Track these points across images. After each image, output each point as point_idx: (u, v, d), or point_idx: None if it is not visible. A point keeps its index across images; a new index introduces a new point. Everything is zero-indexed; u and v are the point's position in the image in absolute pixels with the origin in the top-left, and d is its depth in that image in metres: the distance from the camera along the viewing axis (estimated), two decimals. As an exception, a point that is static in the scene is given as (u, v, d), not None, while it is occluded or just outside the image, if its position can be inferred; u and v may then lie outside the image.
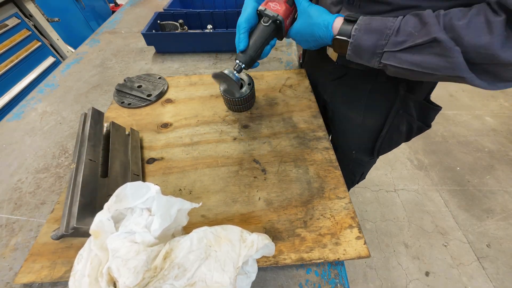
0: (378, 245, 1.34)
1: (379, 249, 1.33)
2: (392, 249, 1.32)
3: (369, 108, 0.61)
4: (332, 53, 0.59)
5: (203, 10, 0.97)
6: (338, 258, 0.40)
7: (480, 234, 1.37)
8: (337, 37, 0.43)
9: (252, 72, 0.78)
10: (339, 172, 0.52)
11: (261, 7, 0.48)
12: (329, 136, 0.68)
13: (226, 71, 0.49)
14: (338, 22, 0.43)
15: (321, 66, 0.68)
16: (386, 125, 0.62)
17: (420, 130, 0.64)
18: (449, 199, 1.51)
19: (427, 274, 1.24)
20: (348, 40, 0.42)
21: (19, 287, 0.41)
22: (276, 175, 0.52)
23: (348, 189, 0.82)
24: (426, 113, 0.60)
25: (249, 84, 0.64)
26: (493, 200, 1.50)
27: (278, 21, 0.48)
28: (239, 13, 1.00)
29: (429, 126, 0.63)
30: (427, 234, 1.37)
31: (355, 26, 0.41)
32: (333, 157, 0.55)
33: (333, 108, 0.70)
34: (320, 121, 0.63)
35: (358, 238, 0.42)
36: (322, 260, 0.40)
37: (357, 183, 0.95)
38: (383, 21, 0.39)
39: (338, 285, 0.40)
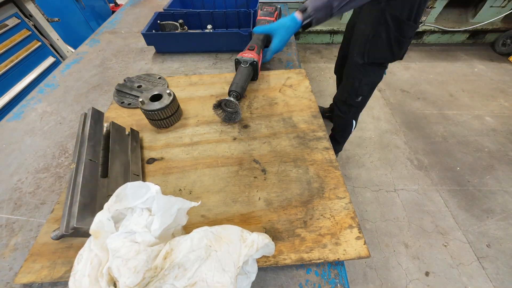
0: (378, 245, 1.34)
1: (379, 249, 1.33)
2: (392, 249, 1.32)
3: (366, 19, 0.91)
4: None
5: (203, 10, 0.97)
6: (338, 258, 0.40)
7: (480, 234, 1.36)
8: (304, 22, 0.68)
9: (252, 72, 0.78)
10: (339, 172, 0.52)
11: (238, 57, 0.70)
12: (346, 48, 1.11)
13: (229, 98, 0.60)
14: (298, 15, 0.68)
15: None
16: (372, 31, 0.88)
17: (398, 41, 0.87)
18: (449, 199, 1.51)
19: (427, 274, 1.24)
20: (311, 20, 0.67)
21: (19, 287, 0.41)
22: (276, 175, 0.52)
23: (350, 102, 1.20)
24: (402, 27, 0.83)
25: (169, 94, 0.60)
26: (493, 200, 1.50)
27: (255, 62, 0.69)
28: (239, 13, 1.01)
29: (406, 38, 0.86)
30: (427, 234, 1.37)
31: (309, 10, 0.65)
32: (333, 157, 0.55)
33: (356, 25, 0.99)
34: (320, 121, 0.63)
35: (358, 238, 0.42)
36: (322, 260, 0.40)
37: (356, 97, 1.16)
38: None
39: (338, 285, 0.40)
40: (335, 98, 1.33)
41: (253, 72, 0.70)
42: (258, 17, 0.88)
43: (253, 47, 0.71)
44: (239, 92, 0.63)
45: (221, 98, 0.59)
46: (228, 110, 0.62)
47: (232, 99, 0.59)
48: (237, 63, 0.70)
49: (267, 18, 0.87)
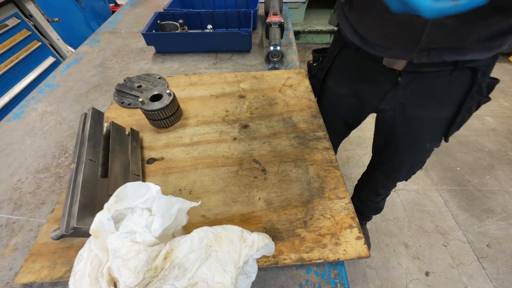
0: (378, 245, 1.34)
1: (379, 249, 1.33)
2: (392, 249, 1.32)
3: (442, 101, 0.61)
4: (394, 63, 0.56)
5: (203, 10, 0.97)
6: (338, 258, 0.40)
7: (480, 234, 1.36)
8: None
9: (252, 72, 0.78)
10: (339, 172, 0.52)
11: (268, 21, 0.88)
12: (385, 147, 0.81)
13: (275, 48, 0.81)
14: None
15: (375, 78, 0.64)
16: (462, 112, 0.62)
17: (478, 105, 0.63)
18: (449, 199, 1.51)
19: (427, 274, 1.24)
20: None
21: (19, 287, 0.41)
22: (276, 175, 0.52)
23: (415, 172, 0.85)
24: (491, 88, 0.61)
25: (169, 94, 0.60)
26: (493, 200, 1.50)
27: (282, 23, 0.89)
28: (239, 13, 1.01)
29: (489, 99, 0.63)
30: (427, 234, 1.37)
31: None
32: (333, 157, 0.55)
33: (397, 113, 0.67)
34: (320, 121, 0.63)
35: (358, 238, 0.42)
36: (322, 260, 0.40)
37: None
38: None
39: (338, 285, 0.40)
40: (366, 190, 1.07)
41: (281, 31, 0.89)
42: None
43: (276, 12, 0.92)
44: (278, 44, 0.81)
45: (269, 50, 0.81)
46: (274, 59, 0.82)
47: (278, 48, 0.80)
48: (269, 25, 0.87)
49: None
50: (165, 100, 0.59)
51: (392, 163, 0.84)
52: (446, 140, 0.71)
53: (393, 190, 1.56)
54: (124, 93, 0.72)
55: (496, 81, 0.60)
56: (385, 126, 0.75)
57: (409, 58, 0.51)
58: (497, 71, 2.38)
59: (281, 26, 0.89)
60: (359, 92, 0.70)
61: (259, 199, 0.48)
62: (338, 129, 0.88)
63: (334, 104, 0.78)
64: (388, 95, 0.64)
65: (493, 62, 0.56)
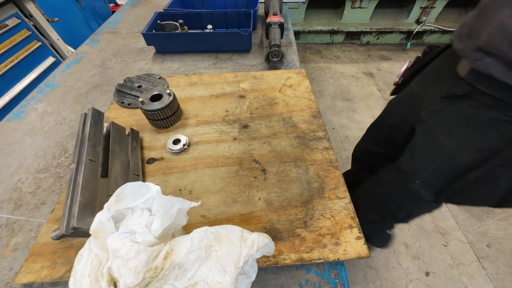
0: (378, 245, 1.34)
1: (379, 249, 1.33)
2: (392, 249, 1.32)
3: (470, 140, 0.49)
4: (463, 66, 0.49)
5: (203, 10, 0.97)
6: (338, 258, 0.40)
7: (480, 234, 1.36)
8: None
9: (252, 72, 0.78)
10: (339, 172, 0.52)
11: (268, 21, 0.87)
12: (397, 157, 0.62)
13: (275, 48, 0.81)
14: None
15: (438, 81, 0.56)
16: (482, 168, 0.47)
17: None
18: (449, 199, 1.51)
19: (427, 274, 1.24)
20: None
21: (19, 287, 0.41)
22: (276, 175, 0.52)
23: (387, 224, 0.75)
24: None
25: (169, 94, 0.60)
26: (493, 200, 1.50)
27: (282, 23, 0.89)
28: (239, 13, 1.01)
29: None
30: (427, 234, 1.37)
31: None
32: (333, 157, 0.55)
33: (422, 128, 0.58)
34: (320, 121, 0.63)
35: (358, 238, 0.42)
36: (322, 260, 0.40)
37: (399, 221, 0.77)
38: None
39: (338, 285, 0.40)
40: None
41: (281, 31, 0.89)
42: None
43: (276, 12, 0.92)
44: (278, 44, 0.81)
45: (268, 51, 0.81)
46: (274, 59, 0.82)
47: (277, 48, 0.80)
48: (269, 25, 0.88)
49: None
50: (165, 100, 0.59)
51: None
52: (438, 197, 0.57)
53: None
54: (124, 93, 0.72)
55: None
56: (404, 137, 0.65)
57: None
58: (497, 71, 2.38)
59: (281, 26, 0.89)
60: (417, 95, 0.62)
61: (259, 199, 0.48)
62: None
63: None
64: (433, 104, 0.55)
65: None
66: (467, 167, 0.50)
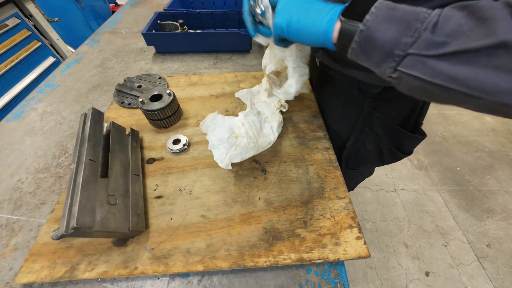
0: (378, 245, 1.34)
1: (379, 249, 1.33)
2: (392, 249, 1.32)
3: (342, 118, 0.61)
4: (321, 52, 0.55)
5: (203, 10, 0.97)
6: (338, 258, 0.40)
7: (480, 234, 1.36)
8: (343, 20, 0.31)
9: (252, 72, 0.78)
10: (339, 172, 0.52)
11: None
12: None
13: None
14: None
15: (312, 66, 0.63)
16: (351, 138, 0.61)
17: (393, 155, 0.58)
18: (449, 199, 1.51)
19: (427, 274, 1.24)
20: (358, 26, 0.29)
21: (19, 287, 0.41)
22: (276, 175, 0.52)
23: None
24: (398, 138, 0.55)
25: (169, 94, 0.60)
26: (493, 200, 1.50)
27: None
28: (239, 13, 1.01)
29: (406, 154, 0.57)
30: (427, 234, 1.37)
31: (372, 9, 0.28)
32: (333, 157, 0.55)
33: (325, 112, 0.66)
34: (320, 121, 0.63)
35: (358, 238, 0.42)
36: (322, 260, 0.40)
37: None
38: (413, 10, 0.27)
39: (338, 285, 0.40)
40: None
41: None
42: None
43: None
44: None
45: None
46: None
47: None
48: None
49: None
50: (165, 100, 0.59)
51: None
52: (341, 165, 0.61)
53: (393, 190, 1.57)
54: (124, 93, 0.72)
55: (412, 135, 0.55)
56: None
57: None
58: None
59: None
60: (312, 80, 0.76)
61: (259, 199, 0.48)
62: None
63: None
64: (315, 91, 0.71)
65: None
66: (346, 139, 0.63)
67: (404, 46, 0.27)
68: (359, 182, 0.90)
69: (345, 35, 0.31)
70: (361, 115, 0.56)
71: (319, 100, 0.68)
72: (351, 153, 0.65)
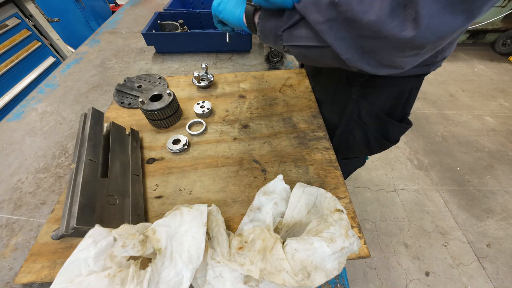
0: (378, 245, 1.34)
1: (379, 249, 1.33)
2: (392, 249, 1.32)
3: (333, 106, 0.64)
4: None
5: (203, 10, 0.97)
6: (338, 258, 0.40)
7: (480, 234, 1.37)
8: (248, 2, 0.42)
9: (252, 72, 0.78)
10: (339, 172, 0.52)
11: None
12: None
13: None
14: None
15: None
16: (340, 126, 0.64)
17: (380, 143, 0.62)
18: (449, 199, 1.51)
19: (427, 274, 1.24)
20: (254, 5, 0.42)
21: (19, 287, 0.41)
22: (276, 175, 0.52)
23: None
24: (384, 126, 0.58)
25: (169, 94, 0.60)
26: (493, 200, 1.50)
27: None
28: (239, 13, 0.99)
29: (392, 142, 0.61)
30: (427, 234, 1.37)
31: (260, 12, 0.41)
32: (333, 157, 0.55)
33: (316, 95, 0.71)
34: (320, 121, 0.63)
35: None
36: (322, 260, 0.40)
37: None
38: (278, 14, 0.39)
39: (338, 285, 0.40)
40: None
41: None
42: None
43: None
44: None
45: (268, 51, 0.81)
46: (274, 59, 0.83)
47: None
48: None
49: None
50: (165, 100, 0.59)
51: None
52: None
53: (393, 190, 1.57)
54: (124, 93, 0.72)
55: (397, 123, 0.58)
56: None
57: None
58: (497, 71, 2.38)
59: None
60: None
61: (259, 199, 0.48)
62: None
63: None
64: (311, 81, 0.74)
65: None
66: (335, 126, 0.65)
67: (280, 28, 0.38)
68: (351, 172, 0.94)
69: (246, 15, 0.43)
70: (349, 103, 0.59)
71: (314, 89, 0.71)
72: (340, 141, 0.67)
